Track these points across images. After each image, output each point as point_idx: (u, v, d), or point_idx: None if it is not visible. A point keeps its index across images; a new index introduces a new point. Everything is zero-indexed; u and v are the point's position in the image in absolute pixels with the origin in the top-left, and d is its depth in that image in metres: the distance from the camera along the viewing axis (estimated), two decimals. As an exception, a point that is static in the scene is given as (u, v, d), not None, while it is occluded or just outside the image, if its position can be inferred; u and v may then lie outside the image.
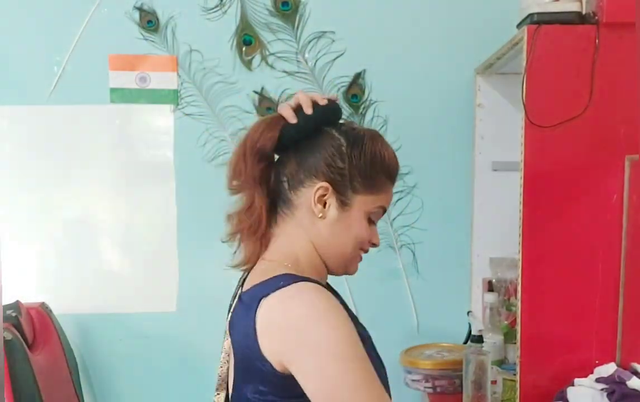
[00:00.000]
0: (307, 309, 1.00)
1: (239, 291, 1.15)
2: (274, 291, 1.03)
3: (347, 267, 1.19)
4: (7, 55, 2.30)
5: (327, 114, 1.16)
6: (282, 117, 1.14)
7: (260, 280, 1.07)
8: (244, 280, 1.16)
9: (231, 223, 1.15)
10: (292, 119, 1.13)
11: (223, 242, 1.16)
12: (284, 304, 1.02)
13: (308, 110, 1.13)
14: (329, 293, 1.07)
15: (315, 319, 1.00)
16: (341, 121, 1.19)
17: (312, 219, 1.12)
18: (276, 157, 1.17)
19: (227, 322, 1.14)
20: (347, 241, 1.14)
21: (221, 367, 1.17)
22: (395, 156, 1.18)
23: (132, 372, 2.37)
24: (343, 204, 1.12)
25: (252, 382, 1.05)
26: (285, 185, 1.13)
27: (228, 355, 1.16)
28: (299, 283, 1.04)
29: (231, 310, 1.15)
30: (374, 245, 1.19)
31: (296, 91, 1.19)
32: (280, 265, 1.10)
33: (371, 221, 1.16)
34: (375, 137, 1.17)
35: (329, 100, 1.17)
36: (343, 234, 1.13)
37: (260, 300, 1.03)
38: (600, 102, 1.57)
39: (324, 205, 1.12)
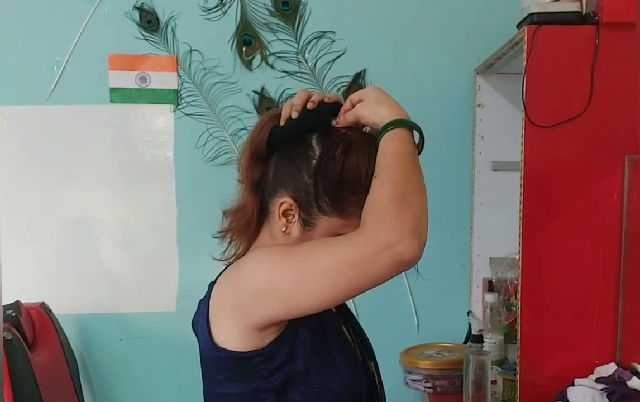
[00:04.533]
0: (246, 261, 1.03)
1: None
2: (222, 272, 1.05)
3: None
4: (7, 55, 2.30)
5: (312, 119, 1.06)
6: (277, 117, 1.09)
7: None
8: None
9: (225, 220, 1.13)
10: (282, 121, 1.07)
11: (214, 237, 1.13)
12: (228, 272, 1.04)
13: (294, 114, 1.06)
14: None
15: (250, 256, 1.03)
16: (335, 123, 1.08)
17: (279, 231, 1.06)
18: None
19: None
20: None
21: None
22: None
23: (132, 372, 2.37)
24: (305, 223, 1.04)
25: (214, 375, 1.05)
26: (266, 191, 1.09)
27: None
28: None
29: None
30: None
31: (297, 91, 1.12)
32: None
33: None
34: (353, 146, 1.03)
35: (321, 103, 1.07)
36: None
37: (211, 289, 1.05)
38: (600, 102, 1.57)
39: (291, 219, 1.05)
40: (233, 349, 0.99)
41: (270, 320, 0.98)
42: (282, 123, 1.07)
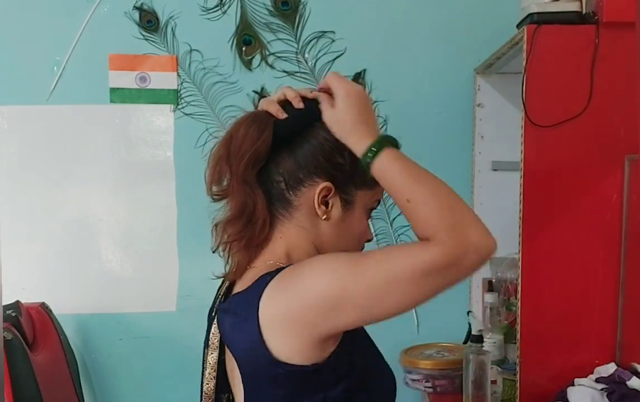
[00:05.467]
0: (303, 266, 0.98)
1: (219, 301, 1.10)
2: (269, 283, 0.97)
3: None
4: (7, 55, 2.30)
5: (313, 109, 1.08)
6: (268, 114, 1.06)
7: (247, 286, 1.01)
8: (227, 290, 1.11)
9: (223, 233, 1.08)
10: (281, 115, 1.06)
11: (213, 251, 1.10)
12: (282, 282, 0.97)
13: (300, 104, 1.07)
14: None
15: (309, 263, 0.98)
16: None
17: (313, 220, 1.06)
18: None
19: (211, 335, 1.08)
20: (350, 240, 1.10)
21: (207, 383, 1.09)
22: None
23: (132, 372, 2.37)
24: (346, 202, 1.07)
25: (269, 394, 1.00)
26: (282, 185, 1.06)
27: (214, 370, 1.09)
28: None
29: (216, 323, 1.08)
30: (368, 240, 1.14)
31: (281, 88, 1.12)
32: (269, 266, 1.03)
33: (368, 216, 1.12)
34: None
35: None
36: (346, 233, 1.09)
37: (258, 302, 0.96)
38: (600, 102, 1.57)
39: (327, 205, 1.06)
40: (296, 364, 0.95)
41: (339, 330, 0.95)
42: (282, 116, 1.06)
